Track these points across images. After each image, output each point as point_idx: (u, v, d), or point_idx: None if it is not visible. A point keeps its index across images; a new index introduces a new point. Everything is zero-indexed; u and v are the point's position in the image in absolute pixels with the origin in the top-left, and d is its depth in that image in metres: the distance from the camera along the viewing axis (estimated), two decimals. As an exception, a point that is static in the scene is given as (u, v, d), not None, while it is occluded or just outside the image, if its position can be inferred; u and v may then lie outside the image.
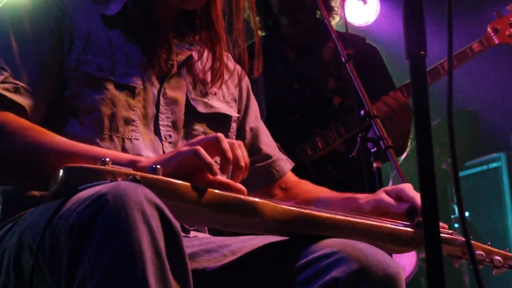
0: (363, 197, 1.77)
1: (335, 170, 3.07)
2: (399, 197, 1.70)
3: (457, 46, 3.14)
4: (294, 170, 2.98)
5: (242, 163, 1.44)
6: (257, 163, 1.96)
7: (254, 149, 1.97)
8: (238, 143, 1.46)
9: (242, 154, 1.45)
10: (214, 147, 1.42)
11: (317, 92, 3.14)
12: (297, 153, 3.05)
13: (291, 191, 1.98)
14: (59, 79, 1.64)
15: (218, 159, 1.47)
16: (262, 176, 1.96)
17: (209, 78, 1.83)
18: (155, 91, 1.72)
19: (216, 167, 1.40)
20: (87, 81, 1.63)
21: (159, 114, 1.71)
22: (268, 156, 1.99)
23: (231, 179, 1.44)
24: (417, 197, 1.67)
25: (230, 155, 1.42)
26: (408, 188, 1.71)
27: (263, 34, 3.28)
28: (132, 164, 1.42)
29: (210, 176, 1.40)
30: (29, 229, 1.35)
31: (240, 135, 1.95)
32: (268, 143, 2.02)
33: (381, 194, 1.73)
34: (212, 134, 1.45)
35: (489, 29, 3.23)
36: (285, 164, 2.03)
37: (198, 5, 1.76)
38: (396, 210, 1.68)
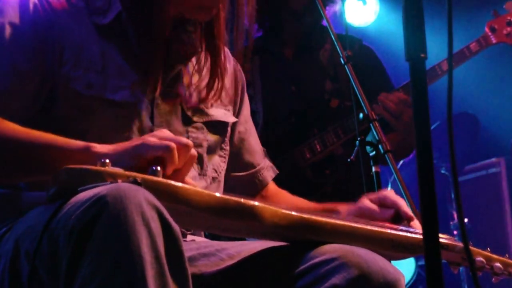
0: (344, 209, 1.76)
1: (334, 174, 3.06)
2: (382, 203, 1.70)
3: (455, 46, 3.12)
4: (292, 173, 2.99)
5: (185, 174, 1.42)
6: (241, 172, 1.94)
7: (239, 156, 1.94)
8: (195, 160, 1.43)
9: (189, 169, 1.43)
10: (180, 152, 1.38)
11: (314, 94, 3.13)
12: (295, 156, 3.04)
13: (270, 200, 1.96)
14: (41, 93, 1.62)
15: None
16: (245, 186, 1.95)
17: (205, 87, 1.79)
18: (149, 103, 1.69)
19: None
20: (77, 100, 1.61)
21: (154, 127, 1.68)
22: (252, 165, 1.97)
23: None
24: (400, 201, 1.68)
25: (180, 166, 1.39)
26: (391, 194, 1.71)
27: (259, 34, 3.25)
28: (86, 149, 1.41)
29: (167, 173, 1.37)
30: (26, 233, 1.33)
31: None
32: (253, 150, 1.99)
33: (365, 201, 1.72)
34: (183, 138, 1.42)
35: (486, 29, 3.23)
36: (268, 172, 2.01)
37: (207, 17, 1.72)
38: (381, 217, 1.68)
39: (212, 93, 1.78)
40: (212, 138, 1.79)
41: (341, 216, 1.73)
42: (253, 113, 3.08)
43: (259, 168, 1.98)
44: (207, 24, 1.75)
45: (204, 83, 1.80)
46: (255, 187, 1.97)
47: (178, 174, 1.39)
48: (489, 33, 3.21)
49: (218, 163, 1.81)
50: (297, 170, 3.03)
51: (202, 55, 1.80)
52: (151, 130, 1.67)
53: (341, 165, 3.05)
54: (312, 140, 3.05)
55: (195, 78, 1.80)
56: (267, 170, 2.01)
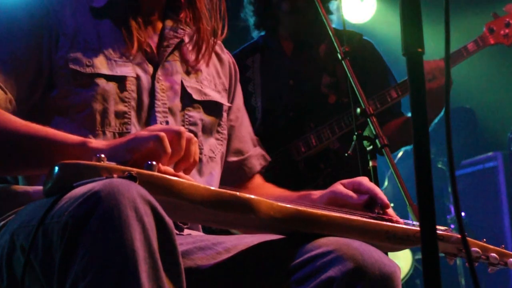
0: (317, 192, 1.77)
1: (328, 168, 3.07)
2: (357, 189, 1.70)
3: (453, 46, 3.13)
4: (286, 166, 3.00)
5: (191, 160, 1.43)
6: (230, 158, 1.97)
7: (229, 142, 1.96)
8: (195, 140, 1.46)
9: (195, 151, 1.45)
10: (173, 140, 1.40)
11: (312, 89, 3.14)
12: (290, 150, 3.05)
13: (253, 192, 1.97)
14: (40, 79, 1.64)
15: None
16: (233, 173, 1.97)
17: (196, 60, 1.83)
18: (149, 79, 1.72)
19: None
20: (77, 79, 1.63)
21: (155, 101, 1.71)
22: (241, 152, 2.00)
23: (173, 168, 1.43)
24: (376, 188, 1.69)
25: (182, 152, 1.41)
26: (365, 181, 1.71)
27: (262, 33, 3.27)
28: (83, 144, 1.43)
29: (161, 166, 1.38)
30: (22, 228, 1.34)
31: None
32: (243, 138, 2.01)
33: (338, 186, 1.72)
34: (174, 126, 1.44)
35: (484, 29, 3.23)
36: (258, 160, 2.04)
37: None
38: (354, 202, 1.68)
39: (200, 55, 1.82)
40: (207, 118, 1.82)
41: (313, 198, 1.74)
42: (253, 109, 3.10)
43: (248, 155, 2.01)
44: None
45: (198, 59, 1.84)
46: (243, 174, 2.00)
47: (182, 162, 1.41)
48: (487, 34, 3.22)
49: (214, 145, 1.84)
50: (291, 163, 3.04)
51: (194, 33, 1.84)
52: (152, 105, 1.70)
53: (336, 159, 3.06)
54: (308, 134, 3.06)
55: (192, 57, 1.84)
56: (257, 158, 2.04)
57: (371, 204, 1.67)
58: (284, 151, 3.04)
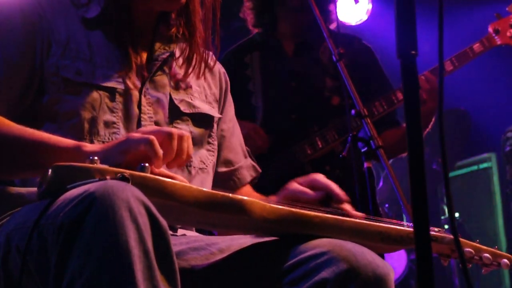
0: (274, 197, 1.74)
1: (334, 170, 3.06)
2: (312, 186, 1.69)
3: (456, 47, 3.13)
4: (293, 169, 2.99)
5: (184, 156, 1.44)
6: (220, 168, 1.94)
7: (219, 152, 1.94)
8: (187, 136, 1.46)
9: (188, 147, 1.45)
10: (164, 142, 1.41)
11: (314, 90, 3.13)
12: (296, 152, 3.04)
13: None
14: (31, 84, 1.64)
15: None
16: (223, 183, 1.94)
17: (187, 73, 1.82)
18: (137, 92, 1.71)
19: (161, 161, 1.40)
20: (67, 86, 1.63)
21: (141, 115, 1.70)
22: (231, 163, 1.97)
23: (166, 166, 1.44)
24: (332, 184, 1.68)
25: (173, 154, 1.42)
26: (321, 177, 1.70)
27: (259, 31, 3.25)
28: (77, 148, 1.44)
29: (155, 169, 1.38)
30: (17, 229, 1.34)
31: None
32: (233, 149, 1.99)
33: (293, 184, 1.70)
34: (166, 128, 1.44)
35: (490, 30, 3.22)
36: (248, 172, 2.01)
37: (177, 5, 1.76)
38: (310, 198, 1.66)
39: (191, 69, 1.81)
40: (196, 131, 1.81)
41: (273, 199, 1.71)
42: (253, 109, 3.09)
43: (238, 166, 1.98)
44: (184, 7, 1.80)
45: (189, 72, 1.83)
46: (233, 185, 1.97)
47: (174, 161, 1.42)
48: (493, 34, 3.21)
49: (205, 156, 1.83)
50: (297, 165, 3.03)
51: (185, 47, 1.83)
52: (138, 118, 1.69)
53: (341, 161, 3.05)
54: (313, 136, 3.05)
55: (182, 71, 1.83)
56: (247, 169, 2.01)
57: (328, 200, 1.66)
58: (290, 153, 3.04)
